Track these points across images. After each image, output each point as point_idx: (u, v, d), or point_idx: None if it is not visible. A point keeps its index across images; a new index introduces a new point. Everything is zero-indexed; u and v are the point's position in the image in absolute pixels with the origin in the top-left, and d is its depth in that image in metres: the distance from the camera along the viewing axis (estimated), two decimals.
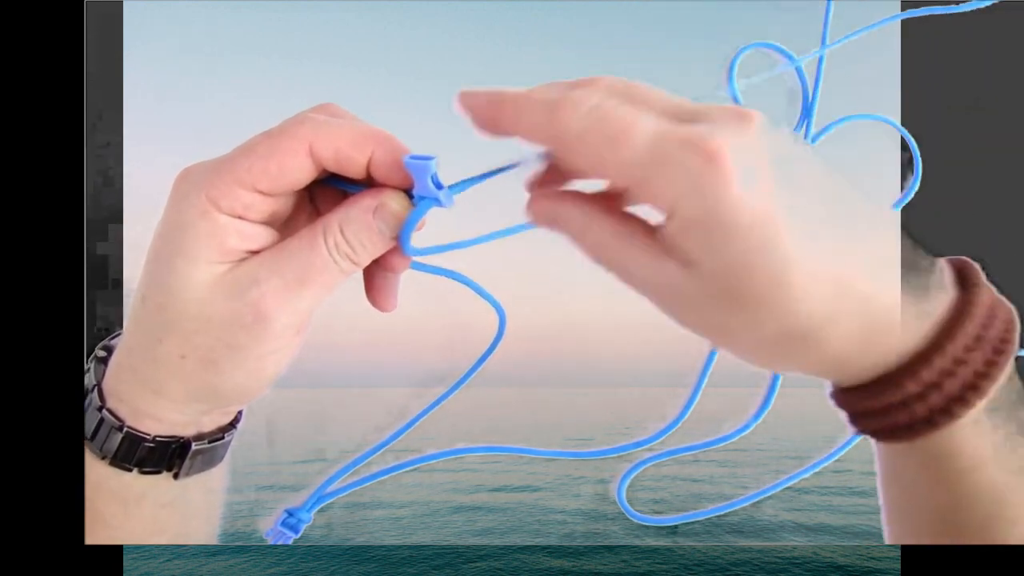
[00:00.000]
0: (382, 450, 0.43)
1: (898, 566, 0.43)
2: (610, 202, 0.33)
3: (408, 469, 0.42)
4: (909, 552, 0.42)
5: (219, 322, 0.34)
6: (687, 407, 0.42)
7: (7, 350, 0.43)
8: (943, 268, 0.32)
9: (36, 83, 0.44)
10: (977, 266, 0.33)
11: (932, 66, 0.63)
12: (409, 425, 0.43)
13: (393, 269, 0.38)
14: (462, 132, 0.36)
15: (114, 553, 0.41)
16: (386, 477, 0.42)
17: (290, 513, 0.40)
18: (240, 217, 0.34)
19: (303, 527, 0.40)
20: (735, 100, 0.57)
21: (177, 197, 0.34)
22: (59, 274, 0.44)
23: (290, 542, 0.40)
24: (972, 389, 0.30)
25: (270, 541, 0.40)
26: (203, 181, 0.34)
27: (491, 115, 0.32)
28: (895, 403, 0.31)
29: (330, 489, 0.41)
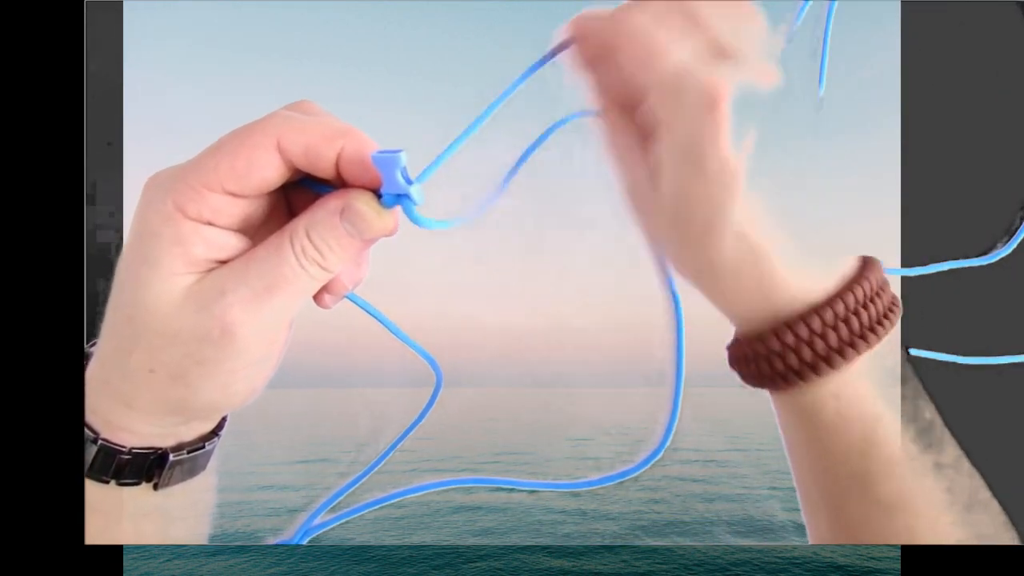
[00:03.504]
0: (360, 481, 0.42)
1: (898, 566, 0.43)
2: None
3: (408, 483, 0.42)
4: (909, 552, 0.42)
5: (186, 337, 0.32)
6: (666, 436, 0.41)
7: (7, 350, 0.43)
8: (850, 259, 0.38)
9: (36, 83, 0.44)
10: (878, 260, 0.38)
11: (933, 65, 0.63)
12: (374, 466, 0.42)
13: (330, 291, 0.37)
14: (461, 132, 0.35)
15: (114, 553, 0.41)
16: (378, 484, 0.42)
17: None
18: (209, 223, 0.32)
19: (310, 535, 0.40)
20: None
21: (143, 204, 0.33)
22: (59, 274, 0.44)
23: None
24: (850, 345, 0.35)
25: None
26: (169, 186, 0.32)
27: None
28: (789, 346, 0.36)
29: (317, 521, 0.40)
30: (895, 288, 0.39)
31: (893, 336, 0.37)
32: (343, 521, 0.40)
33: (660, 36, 0.34)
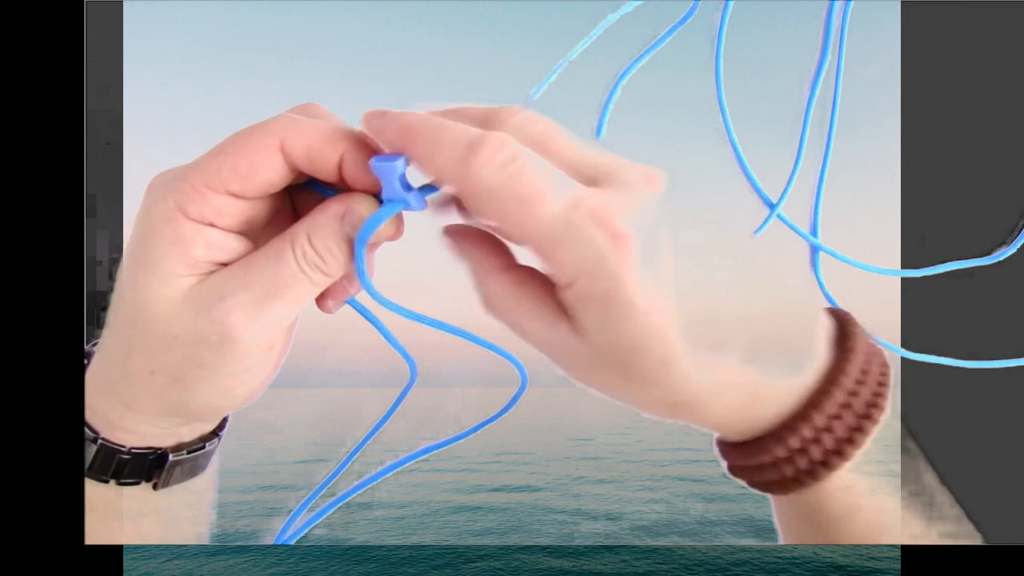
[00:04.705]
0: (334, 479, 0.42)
1: (898, 566, 0.43)
2: (508, 255, 0.33)
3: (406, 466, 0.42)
4: (909, 552, 0.42)
5: (185, 340, 0.32)
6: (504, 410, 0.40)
7: (6, 351, 0.43)
8: (822, 326, 0.34)
9: (36, 83, 0.44)
10: (854, 319, 0.35)
11: (933, 65, 0.63)
12: (349, 458, 0.42)
13: (333, 296, 0.36)
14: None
15: (114, 553, 0.41)
16: (380, 480, 0.42)
17: None
18: (211, 224, 0.32)
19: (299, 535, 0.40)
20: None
21: (145, 204, 0.32)
22: (59, 274, 0.44)
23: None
24: (837, 454, 0.32)
25: None
26: (171, 186, 0.32)
27: (402, 145, 0.31)
28: (767, 463, 0.33)
29: (294, 528, 0.40)
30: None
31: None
32: (321, 518, 0.40)
33: (532, 182, 0.28)
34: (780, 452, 0.33)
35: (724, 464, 0.36)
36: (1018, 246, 0.61)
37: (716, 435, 0.36)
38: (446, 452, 0.44)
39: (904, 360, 0.60)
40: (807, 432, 0.32)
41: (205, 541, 0.40)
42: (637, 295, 0.29)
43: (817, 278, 0.63)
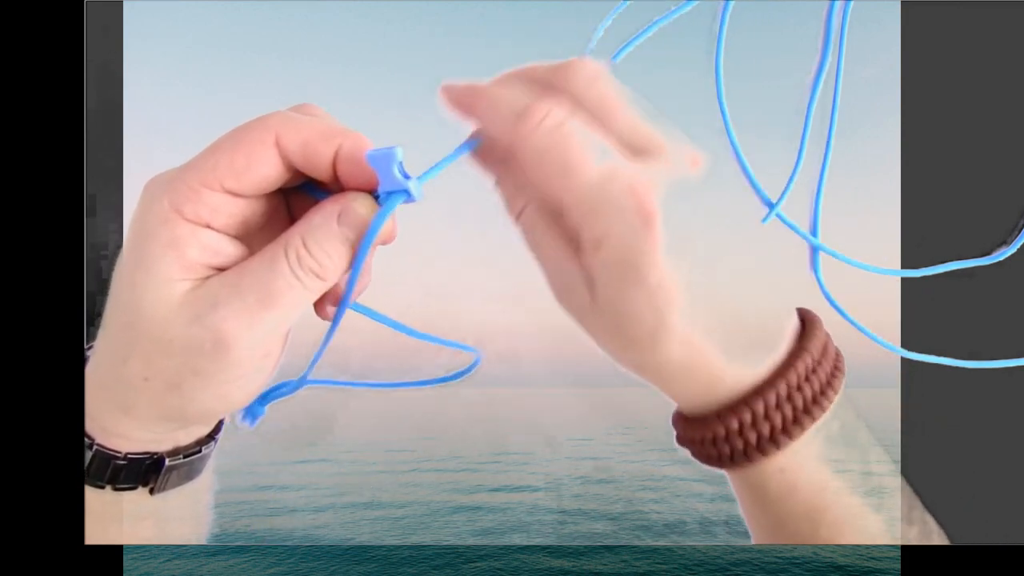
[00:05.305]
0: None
1: (898, 566, 0.43)
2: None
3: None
4: (909, 552, 0.42)
5: (180, 347, 0.32)
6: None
7: (6, 350, 0.43)
8: (790, 324, 0.36)
9: (36, 83, 0.44)
10: (819, 321, 0.37)
11: (933, 65, 0.63)
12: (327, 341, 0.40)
13: (333, 302, 0.36)
14: (462, 132, 0.35)
15: (114, 553, 0.41)
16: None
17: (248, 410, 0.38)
18: (207, 225, 0.32)
19: (260, 418, 0.39)
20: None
21: (141, 206, 0.32)
22: (59, 273, 0.44)
23: (252, 427, 0.39)
24: (771, 441, 0.34)
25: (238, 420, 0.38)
26: (167, 187, 0.32)
27: (465, 107, 0.34)
28: (708, 439, 0.36)
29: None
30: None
31: (838, 397, 0.35)
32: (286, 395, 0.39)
33: (573, 148, 0.30)
34: (720, 431, 0.35)
35: (675, 433, 0.39)
36: (1018, 246, 0.61)
37: (678, 416, 0.39)
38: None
39: (904, 360, 0.60)
40: (747, 417, 0.34)
41: (203, 541, 0.40)
42: (652, 272, 0.31)
43: (817, 278, 0.63)
